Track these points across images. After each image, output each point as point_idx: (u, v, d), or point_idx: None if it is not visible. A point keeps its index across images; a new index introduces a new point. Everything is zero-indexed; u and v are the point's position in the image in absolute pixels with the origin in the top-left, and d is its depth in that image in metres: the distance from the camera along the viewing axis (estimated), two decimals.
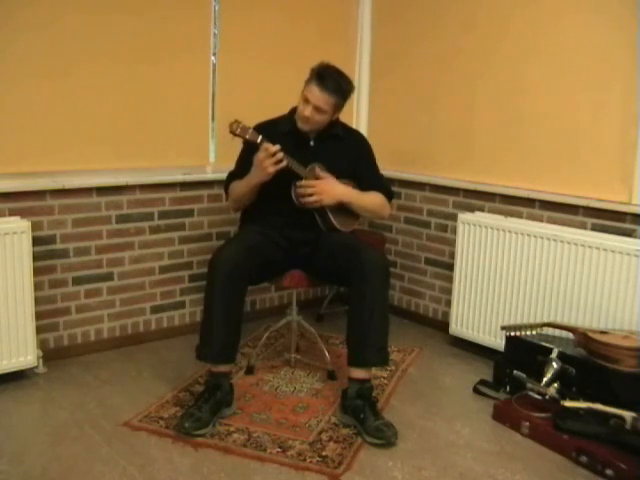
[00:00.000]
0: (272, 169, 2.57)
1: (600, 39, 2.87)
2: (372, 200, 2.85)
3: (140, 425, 2.51)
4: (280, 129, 2.74)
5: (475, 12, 3.34)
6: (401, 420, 2.58)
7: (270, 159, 2.55)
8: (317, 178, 2.72)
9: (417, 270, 3.78)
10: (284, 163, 2.58)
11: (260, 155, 2.57)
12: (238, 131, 2.56)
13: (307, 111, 2.63)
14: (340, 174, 2.80)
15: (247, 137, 2.57)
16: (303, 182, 2.66)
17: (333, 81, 2.60)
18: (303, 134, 2.75)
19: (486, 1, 3.29)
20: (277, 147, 2.55)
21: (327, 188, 2.69)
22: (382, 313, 2.57)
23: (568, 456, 2.36)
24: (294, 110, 2.75)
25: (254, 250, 2.62)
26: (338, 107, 2.69)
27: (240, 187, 2.75)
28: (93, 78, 2.99)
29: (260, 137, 2.57)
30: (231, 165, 2.91)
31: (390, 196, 2.94)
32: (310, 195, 2.66)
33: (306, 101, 2.63)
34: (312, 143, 2.77)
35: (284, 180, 2.66)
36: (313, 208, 2.71)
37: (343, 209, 2.79)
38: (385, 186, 2.92)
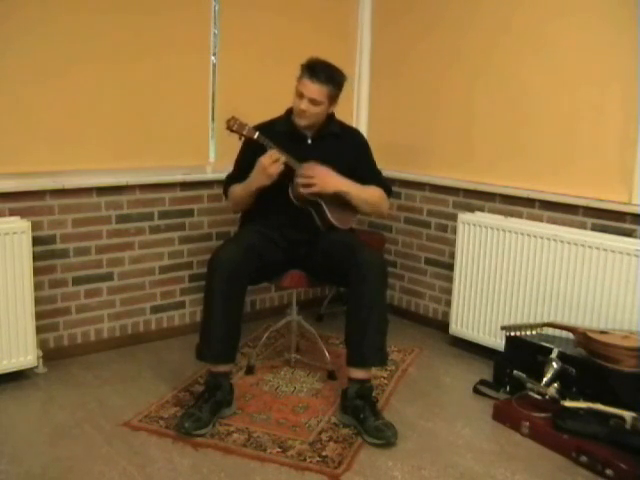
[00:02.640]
0: (275, 171, 2.58)
1: (600, 39, 2.86)
2: (371, 193, 2.83)
3: (140, 425, 2.51)
4: (277, 129, 2.74)
5: (475, 12, 3.34)
6: (401, 420, 2.58)
7: (274, 163, 2.57)
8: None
9: (417, 270, 3.78)
10: (283, 159, 2.59)
11: (264, 160, 2.58)
12: (235, 127, 2.58)
13: (303, 104, 2.63)
14: (338, 172, 2.79)
15: (244, 133, 2.59)
16: (302, 171, 2.65)
17: (324, 72, 2.62)
18: (300, 133, 2.75)
19: (486, 1, 3.29)
20: (273, 150, 2.58)
21: (326, 176, 2.67)
22: (380, 313, 2.57)
23: (568, 456, 2.36)
24: (290, 110, 2.75)
25: (253, 250, 2.62)
26: (333, 97, 2.68)
27: (240, 191, 2.75)
28: (93, 78, 2.99)
29: (257, 133, 2.60)
30: (231, 165, 2.91)
31: (389, 193, 2.93)
32: (309, 184, 2.64)
33: (300, 95, 2.64)
34: (310, 142, 2.77)
35: (282, 179, 2.66)
36: (310, 204, 2.71)
37: (340, 205, 2.77)
38: (384, 183, 2.91)
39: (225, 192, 2.89)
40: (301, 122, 2.71)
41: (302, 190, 2.65)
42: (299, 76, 2.65)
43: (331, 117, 2.80)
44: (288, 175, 2.66)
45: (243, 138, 2.64)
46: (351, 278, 2.57)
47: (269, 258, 2.70)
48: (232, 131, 2.59)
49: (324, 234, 2.76)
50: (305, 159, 2.70)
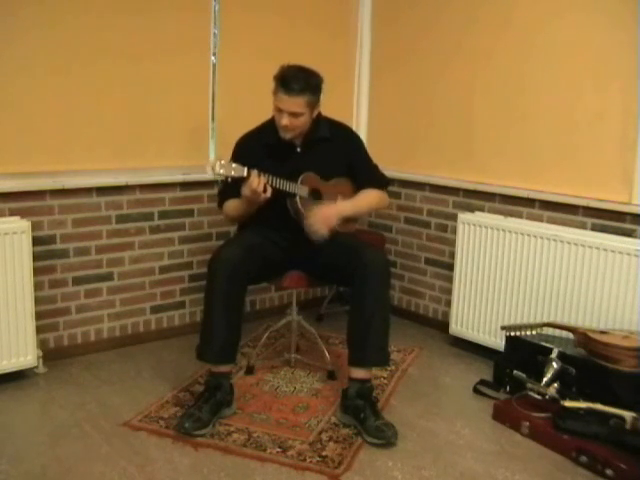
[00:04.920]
0: (262, 199, 2.53)
1: (600, 39, 2.87)
2: (369, 201, 2.84)
3: (140, 425, 2.51)
4: (265, 140, 2.70)
5: (475, 12, 3.34)
6: (401, 420, 2.58)
7: (255, 193, 2.49)
8: (312, 190, 2.69)
9: (417, 270, 3.78)
10: (269, 193, 2.51)
11: (245, 192, 2.51)
12: (222, 171, 2.43)
13: (284, 120, 2.57)
14: (333, 175, 2.77)
15: (233, 174, 2.46)
16: (305, 223, 2.61)
17: (298, 81, 2.52)
18: (289, 142, 2.68)
19: (486, 1, 3.29)
20: (259, 182, 2.47)
21: (328, 214, 2.65)
22: (383, 313, 2.58)
23: (568, 456, 2.36)
24: None
25: (254, 250, 2.62)
26: (313, 103, 2.61)
27: (237, 211, 2.72)
28: (93, 78, 2.99)
29: (245, 170, 2.47)
30: None
31: (386, 186, 2.93)
32: (317, 230, 2.61)
33: (279, 110, 2.57)
34: (299, 150, 2.72)
35: (280, 195, 2.61)
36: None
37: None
38: (380, 177, 2.90)
39: (220, 205, 2.83)
40: (286, 135, 2.64)
41: (315, 238, 2.62)
42: (274, 89, 2.56)
43: (318, 119, 2.72)
44: (284, 192, 2.61)
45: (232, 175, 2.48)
46: (355, 278, 2.56)
47: (269, 258, 2.70)
48: (219, 175, 2.44)
49: None
50: (297, 170, 2.65)
